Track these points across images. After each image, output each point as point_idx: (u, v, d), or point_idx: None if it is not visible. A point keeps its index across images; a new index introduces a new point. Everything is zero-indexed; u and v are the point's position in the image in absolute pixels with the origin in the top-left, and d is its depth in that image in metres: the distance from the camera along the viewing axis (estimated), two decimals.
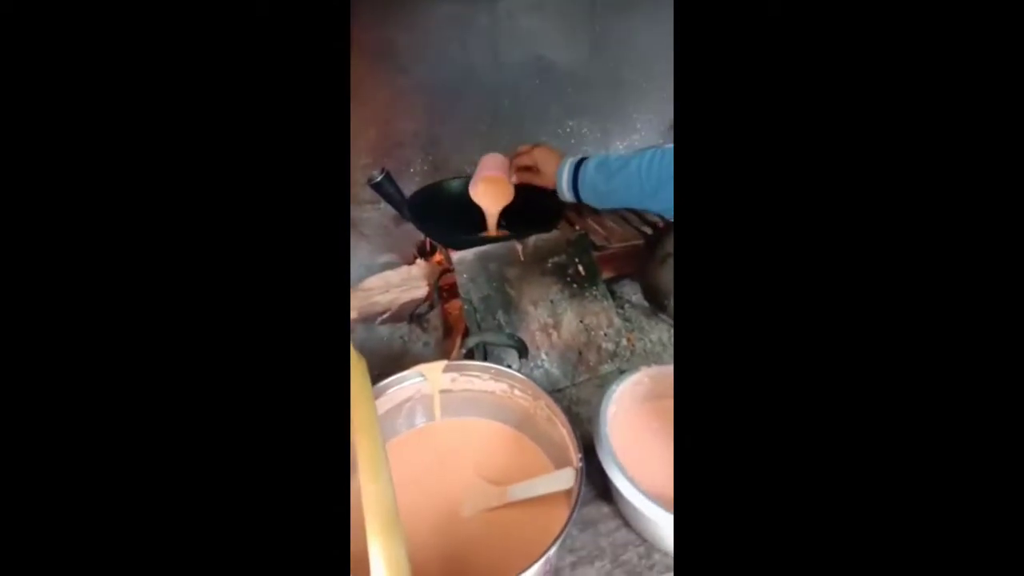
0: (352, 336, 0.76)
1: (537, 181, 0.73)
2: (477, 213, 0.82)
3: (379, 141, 1.01)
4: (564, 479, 0.43)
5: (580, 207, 0.99)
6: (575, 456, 0.42)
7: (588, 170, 0.66)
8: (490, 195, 0.77)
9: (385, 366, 0.72)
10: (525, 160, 0.73)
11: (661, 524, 0.42)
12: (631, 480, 0.43)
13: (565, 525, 0.37)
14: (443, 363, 0.50)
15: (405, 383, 0.50)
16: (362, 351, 0.75)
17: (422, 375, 0.50)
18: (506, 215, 0.85)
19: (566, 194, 0.70)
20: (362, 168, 1.00)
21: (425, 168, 1.06)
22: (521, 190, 0.78)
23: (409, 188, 0.91)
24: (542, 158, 0.71)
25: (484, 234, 0.79)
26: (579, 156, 0.69)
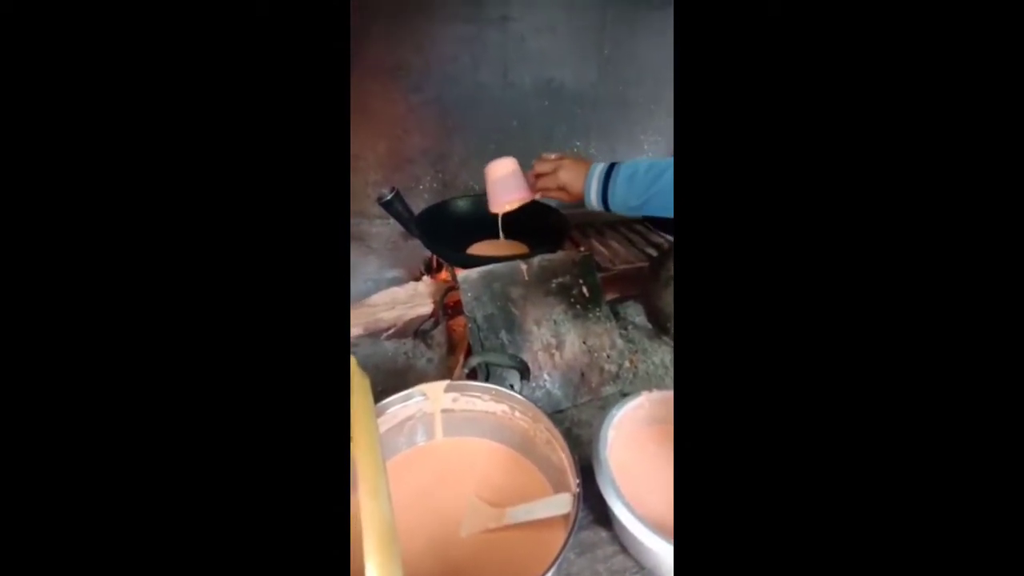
0: (357, 351, 0.76)
1: (564, 198, 0.72)
2: (488, 225, 0.84)
3: (389, 157, 1.03)
4: (562, 504, 0.43)
5: (585, 229, 1.00)
6: (573, 481, 0.43)
7: (618, 185, 0.65)
8: (512, 207, 0.78)
9: (389, 381, 0.72)
10: (549, 183, 0.71)
11: (659, 552, 0.42)
12: (629, 507, 0.43)
13: (561, 550, 0.37)
14: (445, 383, 0.51)
15: (407, 402, 0.50)
16: (367, 366, 0.75)
17: (424, 394, 0.51)
18: (513, 233, 0.86)
19: (595, 207, 0.69)
20: (372, 184, 1.02)
21: (434, 185, 1.08)
22: (527, 211, 0.79)
23: (418, 204, 0.93)
24: (568, 178, 0.69)
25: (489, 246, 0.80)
26: (606, 165, 0.67)
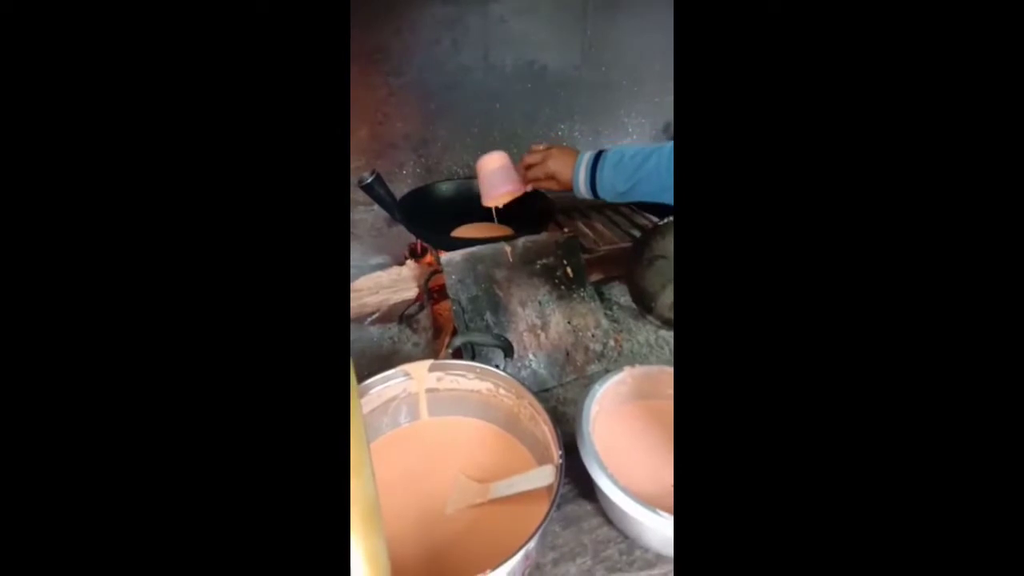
0: None
1: (554, 187, 0.73)
2: (472, 209, 0.84)
3: (371, 142, 1.02)
4: (545, 476, 0.44)
5: (570, 211, 1.00)
6: (556, 453, 0.43)
7: (605, 171, 0.66)
8: (504, 200, 0.79)
9: (374, 366, 0.72)
10: (539, 173, 0.73)
11: (642, 521, 0.42)
12: (612, 478, 0.44)
13: (544, 519, 0.38)
14: (428, 362, 0.51)
15: (390, 382, 0.50)
16: (352, 351, 0.75)
17: (407, 374, 0.51)
18: (498, 215, 0.86)
19: (584, 195, 0.70)
20: (354, 170, 1.01)
21: (417, 170, 1.07)
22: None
23: (401, 189, 0.92)
24: (557, 167, 0.71)
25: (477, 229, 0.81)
26: (593, 152, 0.68)
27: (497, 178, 0.77)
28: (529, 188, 0.77)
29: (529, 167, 0.74)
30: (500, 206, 0.80)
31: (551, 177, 0.72)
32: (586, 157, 0.68)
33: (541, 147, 0.74)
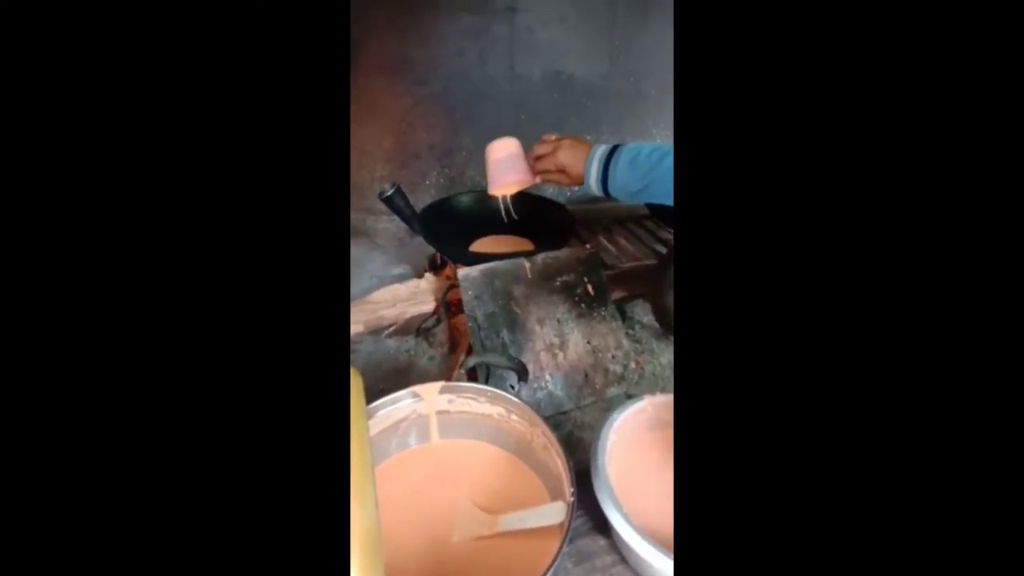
0: (359, 348, 0.76)
1: (563, 181, 0.68)
2: (492, 221, 0.81)
3: (396, 152, 1.02)
4: (555, 513, 0.42)
5: (592, 225, 0.98)
6: (568, 490, 0.41)
7: (618, 167, 0.61)
8: (511, 190, 0.74)
9: (390, 379, 0.72)
10: (548, 164, 0.67)
11: (656, 563, 0.40)
12: (626, 517, 0.41)
13: (554, 559, 0.36)
14: (439, 384, 0.50)
15: (399, 404, 0.49)
16: (368, 363, 0.75)
17: (417, 395, 0.50)
18: (518, 228, 0.84)
19: (595, 191, 0.65)
20: (379, 179, 1.01)
21: (441, 180, 1.06)
22: (532, 206, 0.77)
23: (424, 200, 0.91)
24: (568, 159, 0.65)
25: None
26: (607, 146, 0.63)
27: (505, 166, 0.71)
28: (538, 180, 0.71)
29: (539, 158, 0.68)
30: (508, 196, 0.74)
31: (561, 170, 0.66)
32: (600, 151, 0.62)
33: (553, 137, 0.68)
